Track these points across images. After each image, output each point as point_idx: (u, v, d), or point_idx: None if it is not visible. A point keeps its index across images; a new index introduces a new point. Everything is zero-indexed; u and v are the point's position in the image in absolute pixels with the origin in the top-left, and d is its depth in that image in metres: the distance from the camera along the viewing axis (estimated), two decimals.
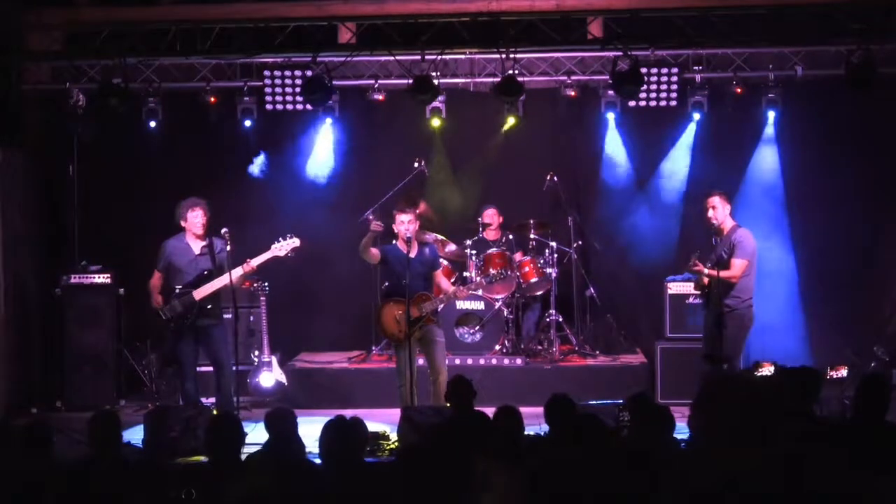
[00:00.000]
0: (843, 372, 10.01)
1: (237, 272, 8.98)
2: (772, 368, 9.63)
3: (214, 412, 8.88)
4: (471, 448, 5.43)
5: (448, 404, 7.24)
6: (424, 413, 8.03)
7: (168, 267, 9.15)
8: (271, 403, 9.76)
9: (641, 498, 5.26)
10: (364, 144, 11.84)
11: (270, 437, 6.19)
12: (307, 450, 7.18)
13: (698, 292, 8.93)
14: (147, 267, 9.31)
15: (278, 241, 9.13)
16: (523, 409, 6.33)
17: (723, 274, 8.67)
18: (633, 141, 11.80)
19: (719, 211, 8.96)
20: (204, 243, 9.14)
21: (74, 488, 5.45)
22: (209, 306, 9.11)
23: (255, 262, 9.03)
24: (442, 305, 9.20)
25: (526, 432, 6.49)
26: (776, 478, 3.64)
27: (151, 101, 10.82)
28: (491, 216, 11.52)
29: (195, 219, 9.13)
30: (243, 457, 5.85)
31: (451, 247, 11.44)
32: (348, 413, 6.03)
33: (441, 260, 10.45)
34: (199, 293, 9.02)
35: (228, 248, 9.00)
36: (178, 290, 9.07)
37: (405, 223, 8.96)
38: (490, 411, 6.46)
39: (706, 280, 8.72)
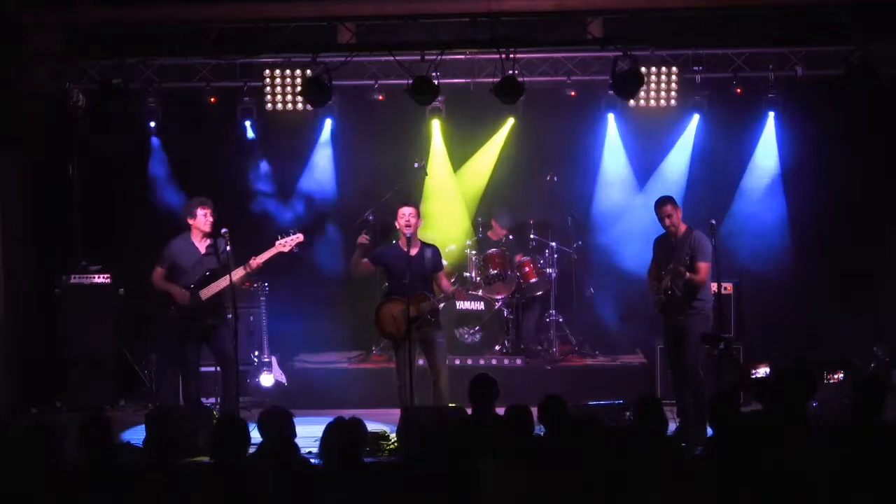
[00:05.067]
0: (840, 375, 10.01)
1: (241, 272, 8.97)
2: (767, 369, 9.64)
3: (214, 413, 8.89)
4: (473, 448, 5.44)
5: (453, 404, 7.21)
6: (424, 413, 8.03)
7: (172, 267, 9.10)
8: (271, 403, 9.74)
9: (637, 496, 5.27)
10: (364, 144, 11.83)
11: (267, 438, 6.13)
12: (307, 450, 7.20)
13: (661, 296, 8.86)
14: (147, 267, 9.27)
15: (281, 237, 9.11)
16: None
17: (693, 278, 8.73)
18: (633, 141, 11.79)
19: (675, 217, 8.97)
20: (209, 242, 9.11)
21: (67, 493, 5.45)
22: (216, 306, 9.10)
23: (260, 259, 8.99)
24: (441, 305, 9.18)
25: None
26: None
27: (151, 101, 10.84)
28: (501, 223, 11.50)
29: (205, 216, 9.10)
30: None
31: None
32: (348, 413, 6.03)
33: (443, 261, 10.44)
34: (206, 293, 9.00)
35: (228, 248, 8.99)
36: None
37: (406, 216, 8.93)
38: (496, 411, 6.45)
39: (668, 284, 8.74)
